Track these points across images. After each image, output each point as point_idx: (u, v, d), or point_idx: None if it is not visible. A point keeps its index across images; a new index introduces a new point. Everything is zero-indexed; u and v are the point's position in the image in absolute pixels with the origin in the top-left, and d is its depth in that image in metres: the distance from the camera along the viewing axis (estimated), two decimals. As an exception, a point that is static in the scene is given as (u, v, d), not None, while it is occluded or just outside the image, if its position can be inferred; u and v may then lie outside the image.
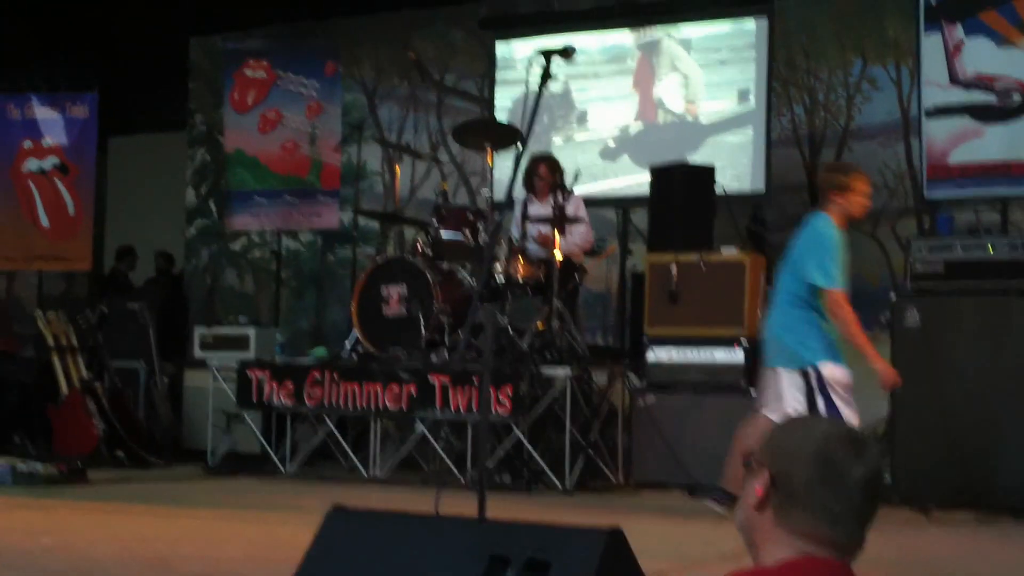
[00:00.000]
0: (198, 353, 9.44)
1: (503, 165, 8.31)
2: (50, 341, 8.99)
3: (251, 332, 9.35)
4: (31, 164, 11.05)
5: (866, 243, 8.99)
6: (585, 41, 9.64)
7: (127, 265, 12.26)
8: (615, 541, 2.47)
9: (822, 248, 5.90)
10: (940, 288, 6.95)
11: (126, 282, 12.03)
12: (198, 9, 11.52)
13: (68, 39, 12.10)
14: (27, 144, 11.03)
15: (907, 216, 8.81)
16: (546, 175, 8.32)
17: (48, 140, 10.98)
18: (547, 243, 7.93)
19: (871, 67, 9.11)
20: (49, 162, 11.00)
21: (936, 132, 8.05)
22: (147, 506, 6.73)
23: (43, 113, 11.02)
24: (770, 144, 8.95)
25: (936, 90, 8.03)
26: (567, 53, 4.70)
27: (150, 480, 8.00)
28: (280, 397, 8.20)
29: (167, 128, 12.73)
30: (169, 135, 12.68)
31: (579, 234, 8.32)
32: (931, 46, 8.08)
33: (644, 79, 9.72)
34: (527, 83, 4.51)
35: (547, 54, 4.59)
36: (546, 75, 4.48)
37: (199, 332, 9.58)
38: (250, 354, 9.09)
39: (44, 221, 10.96)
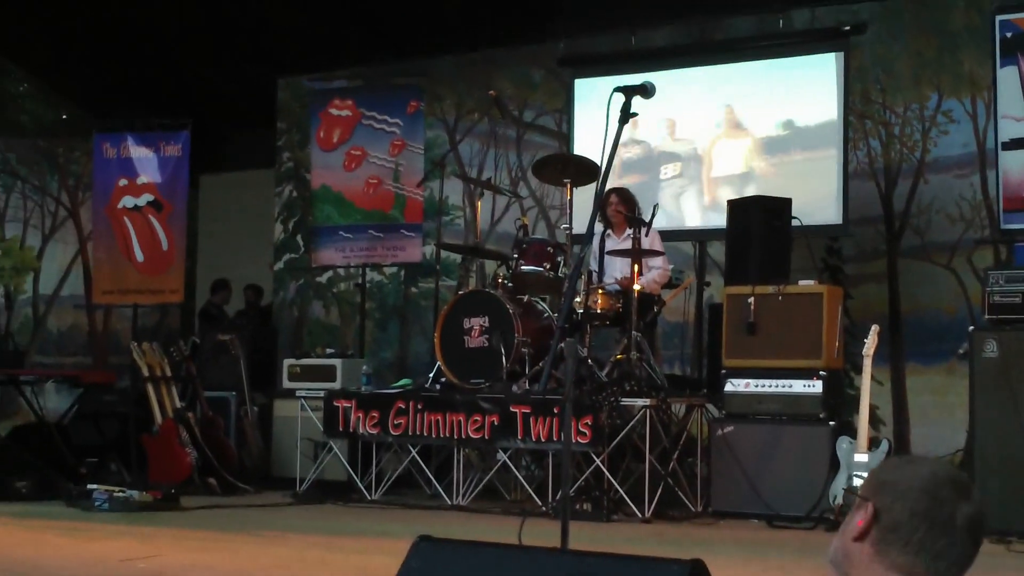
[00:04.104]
0: (286, 383, 9.62)
1: (582, 199, 8.45)
2: (145, 372, 9.22)
3: (337, 363, 9.52)
4: (127, 201, 11.27)
5: (943, 275, 9.03)
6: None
7: (222, 299, 12.55)
8: (697, 572, 2.45)
9: None
10: (1018, 319, 6.96)
11: (219, 315, 12.31)
12: (286, 51, 11.85)
13: (162, 81, 12.48)
14: (122, 182, 11.24)
15: (984, 247, 8.81)
16: (618, 205, 8.44)
17: (143, 178, 11.18)
18: (627, 285, 8.05)
19: (947, 100, 9.15)
20: (144, 199, 11.22)
21: (1012, 164, 8.06)
22: (238, 533, 6.88)
23: (138, 152, 11.25)
24: (847, 176, 9.01)
25: (1012, 123, 8.04)
26: (646, 91, 4.56)
27: (241, 507, 8.15)
28: (366, 426, 8.39)
29: (256, 166, 13.00)
30: (258, 172, 12.95)
31: (656, 270, 8.43)
32: (1007, 79, 8.09)
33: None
34: (607, 120, 4.57)
35: (627, 91, 4.52)
36: (626, 112, 4.48)
37: (287, 363, 9.77)
38: (336, 384, 9.26)
39: (139, 256, 11.19)
